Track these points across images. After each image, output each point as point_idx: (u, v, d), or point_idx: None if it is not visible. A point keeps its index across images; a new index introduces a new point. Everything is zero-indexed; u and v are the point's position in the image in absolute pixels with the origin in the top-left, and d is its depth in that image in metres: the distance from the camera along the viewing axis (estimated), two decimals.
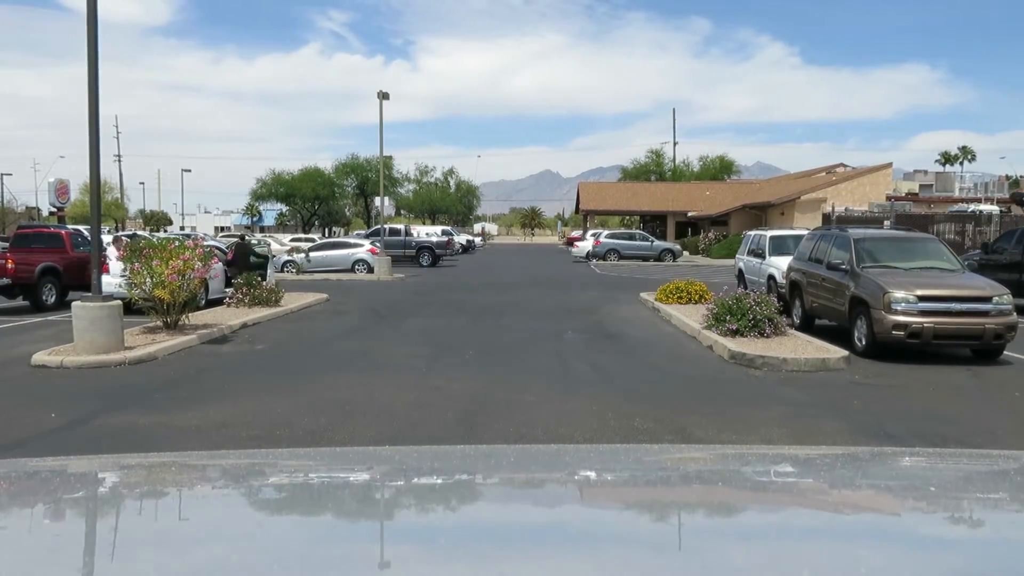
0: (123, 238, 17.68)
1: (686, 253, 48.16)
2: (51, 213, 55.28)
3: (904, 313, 10.96)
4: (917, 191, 56.01)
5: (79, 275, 16.70)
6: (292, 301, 18.14)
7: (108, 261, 14.85)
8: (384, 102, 31.15)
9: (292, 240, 46.11)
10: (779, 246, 18.01)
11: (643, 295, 19.66)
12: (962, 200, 48.94)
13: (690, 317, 14.40)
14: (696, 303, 16.63)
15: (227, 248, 23.24)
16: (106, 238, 16.78)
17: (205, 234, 52.35)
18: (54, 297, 17.72)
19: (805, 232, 17.14)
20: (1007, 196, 50.62)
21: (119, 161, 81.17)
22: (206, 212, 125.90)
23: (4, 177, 69.55)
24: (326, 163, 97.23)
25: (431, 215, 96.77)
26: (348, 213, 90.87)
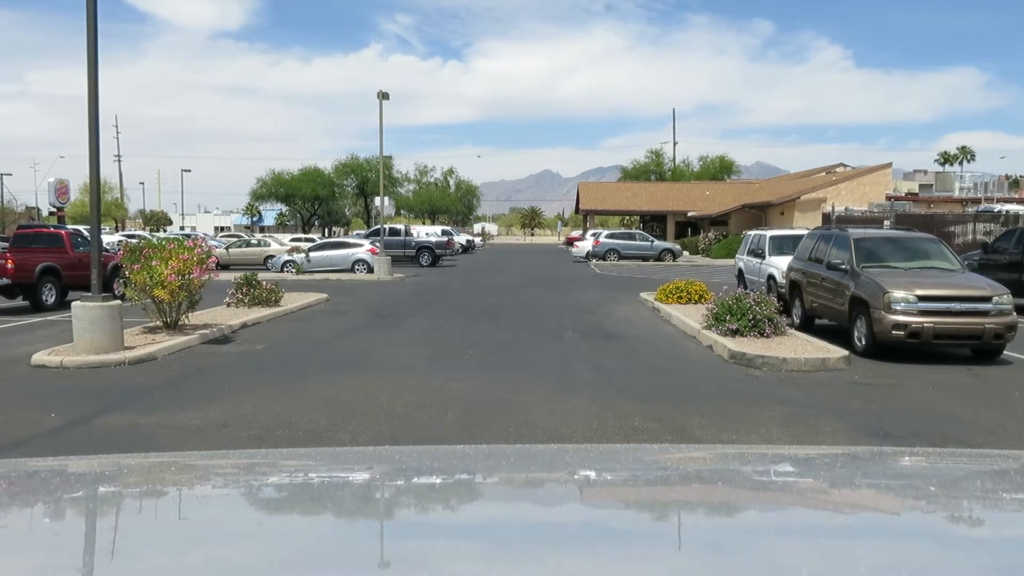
0: None
1: (686, 253, 48.12)
2: (51, 213, 55.24)
3: (904, 313, 10.96)
4: (917, 191, 56.05)
5: (79, 275, 16.71)
6: (292, 301, 18.15)
7: None
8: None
9: (292, 240, 46.00)
10: (779, 246, 18.01)
11: (643, 295, 19.65)
12: (961, 200, 48.97)
13: (690, 317, 14.41)
14: (696, 303, 16.64)
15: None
16: (107, 238, 16.74)
17: (205, 234, 52.31)
18: (54, 297, 17.73)
19: (805, 232, 17.14)
20: (1006, 196, 50.68)
21: (119, 161, 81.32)
22: (206, 212, 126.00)
23: (4, 177, 69.52)
24: (326, 163, 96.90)
25: (431, 215, 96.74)
26: (348, 213, 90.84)
